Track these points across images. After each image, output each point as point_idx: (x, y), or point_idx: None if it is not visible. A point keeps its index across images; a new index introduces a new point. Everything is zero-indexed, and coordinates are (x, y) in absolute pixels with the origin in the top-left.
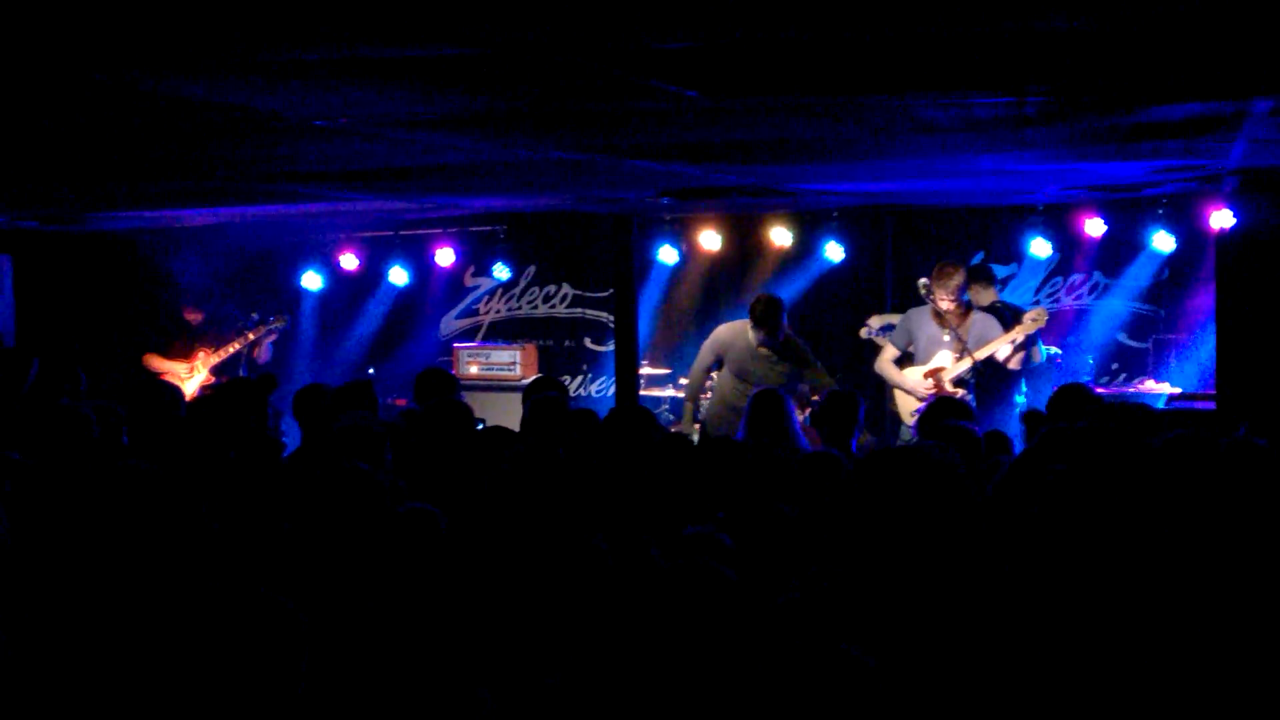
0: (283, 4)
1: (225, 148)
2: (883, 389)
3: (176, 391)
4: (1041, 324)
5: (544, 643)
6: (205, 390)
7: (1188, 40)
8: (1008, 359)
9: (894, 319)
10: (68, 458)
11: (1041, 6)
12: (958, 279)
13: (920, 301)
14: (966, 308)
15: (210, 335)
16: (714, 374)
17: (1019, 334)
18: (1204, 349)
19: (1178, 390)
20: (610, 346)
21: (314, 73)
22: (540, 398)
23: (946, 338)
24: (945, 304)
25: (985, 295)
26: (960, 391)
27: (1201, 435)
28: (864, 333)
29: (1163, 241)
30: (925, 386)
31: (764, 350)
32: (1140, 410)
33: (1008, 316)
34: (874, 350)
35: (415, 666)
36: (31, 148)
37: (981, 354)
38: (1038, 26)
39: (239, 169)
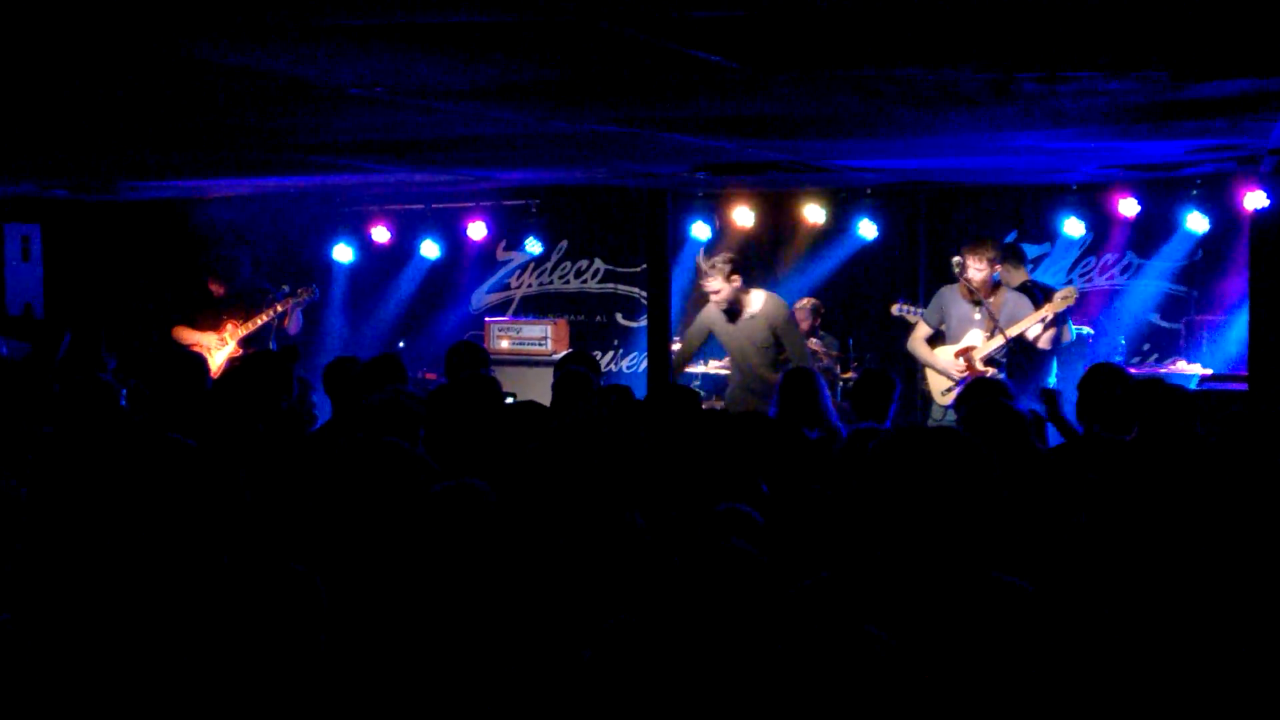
0: None
1: (260, 116)
2: (914, 367)
3: (201, 364)
4: (1072, 302)
5: (577, 618)
6: (233, 362)
7: (1236, 16)
8: (1038, 338)
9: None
10: (97, 429)
11: None
12: (990, 252)
13: (953, 280)
14: (996, 284)
15: (239, 307)
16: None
17: (1049, 311)
18: (1236, 330)
19: (1209, 371)
20: (642, 322)
21: (351, 40)
22: (566, 372)
23: (978, 316)
24: (976, 275)
25: (1016, 275)
26: (991, 370)
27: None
28: (895, 309)
29: (1196, 222)
30: (957, 366)
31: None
32: (1174, 389)
33: (1039, 295)
34: (905, 328)
35: (450, 642)
36: (66, 115)
37: (1013, 332)
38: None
39: (273, 138)
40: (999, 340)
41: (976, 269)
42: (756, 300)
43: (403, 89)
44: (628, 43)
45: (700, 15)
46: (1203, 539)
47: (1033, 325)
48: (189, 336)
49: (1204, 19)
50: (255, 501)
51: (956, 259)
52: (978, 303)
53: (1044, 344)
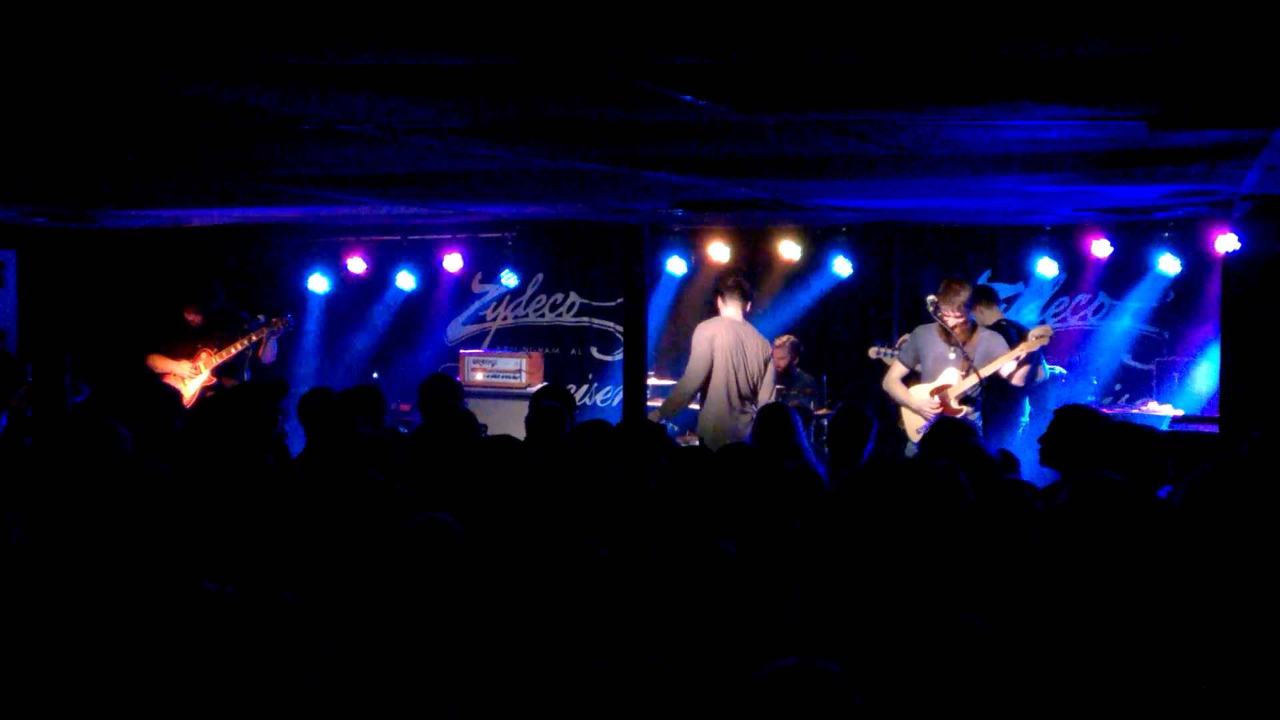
0: (307, 9)
1: (241, 150)
2: (889, 406)
3: (174, 395)
4: (1046, 341)
5: (550, 650)
6: (207, 391)
7: (1217, 68)
8: (1011, 374)
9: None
10: (79, 461)
11: (1073, 32)
12: (964, 294)
13: (927, 319)
14: (972, 325)
15: (214, 336)
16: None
17: (1023, 350)
18: (1207, 371)
19: (1180, 412)
20: (616, 356)
21: (340, 79)
22: (539, 408)
23: (953, 355)
24: (952, 319)
25: (989, 314)
26: (966, 409)
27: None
28: (873, 353)
29: (1168, 264)
30: (931, 404)
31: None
32: (1145, 432)
33: (1013, 334)
34: (881, 366)
35: (423, 675)
36: (48, 145)
37: (987, 371)
38: (1072, 51)
39: (253, 170)
40: (974, 379)
41: (951, 314)
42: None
43: (391, 126)
44: (612, 85)
45: (683, 62)
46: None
47: (1006, 364)
48: (163, 365)
49: (1181, 72)
50: (247, 532)
51: (931, 299)
52: (954, 343)
53: (1018, 380)
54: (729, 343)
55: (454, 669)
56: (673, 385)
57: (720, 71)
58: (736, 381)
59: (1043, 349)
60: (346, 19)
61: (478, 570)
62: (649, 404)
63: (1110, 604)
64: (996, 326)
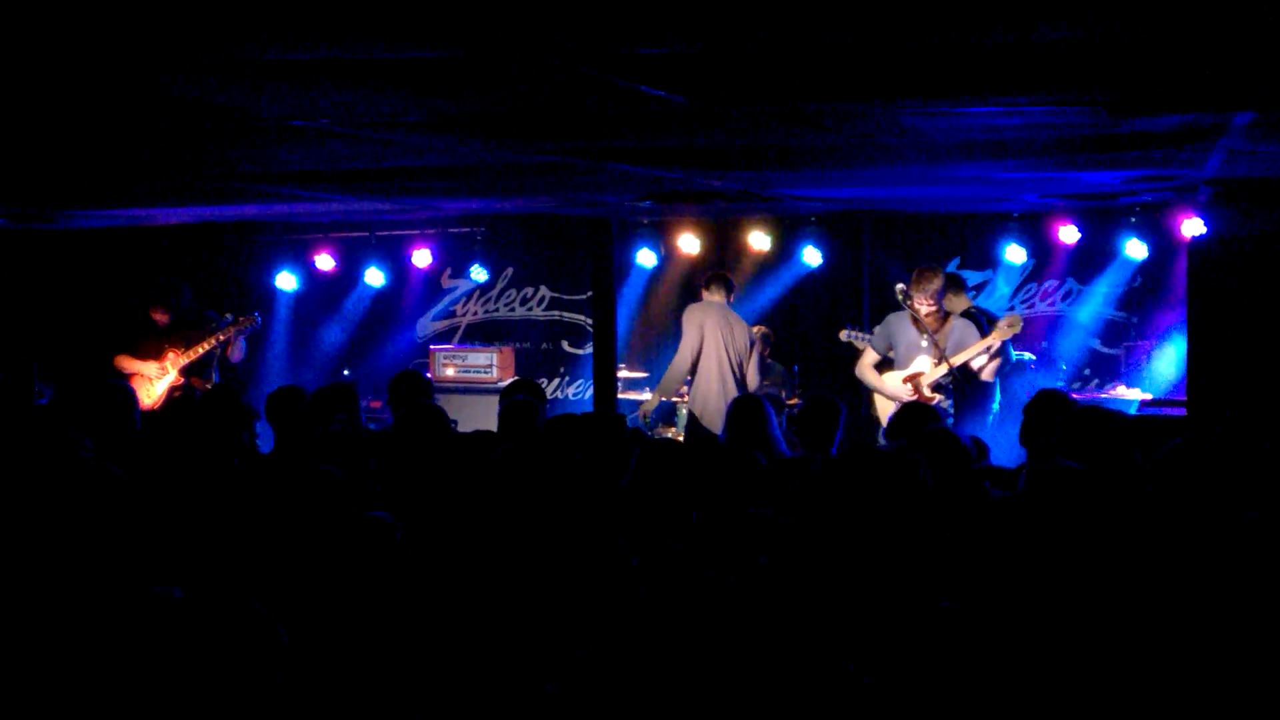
0: (265, 4)
1: (202, 147)
2: (860, 393)
3: (132, 396)
4: (1017, 329)
5: (517, 647)
6: (175, 392)
7: (1175, 53)
8: (981, 368)
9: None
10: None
11: (1032, 17)
12: (937, 282)
13: (898, 307)
14: (945, 314)
15: (181, 335)
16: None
17: (995, 339)
18: (1175, 355)
19: (1149, 396)
20: (588, 349)
21: (297, 73)
22: (510, 402)
23: (924, 343)
24: (924, 307)
25: (959, 302)
26: (939, 397)
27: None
28: (844, 335)
29: (1135, 249)
30: (905, 392)
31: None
32: (1114, 416)
33: (983, 322)
34: (852, 353)
35: (379, 675)
36: (9, 145)
37: (958, 360)
38: (1030, 37)
39: (215, 168)
40: (946, 367)
41: (924, 303)
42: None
43: (349, 121)
44: (575, 78)
45: (647, 52)
46: (1136, 569)
47: (978, 354)
48: (130, 365)
49: (1140, 57)
50: (213, 534)
51: (900, 287)
52: (925, 331)
53: (987, 376)
54: (718, 323)
55: (412, 667)
56: (645, 377)
57: (678, 62)
58: (729, 360)
59: (1013, 337)
60: (303, 13)
61: (421, 569)
62: (620, 396)
63: (1070, 590)
64: (966, 314)
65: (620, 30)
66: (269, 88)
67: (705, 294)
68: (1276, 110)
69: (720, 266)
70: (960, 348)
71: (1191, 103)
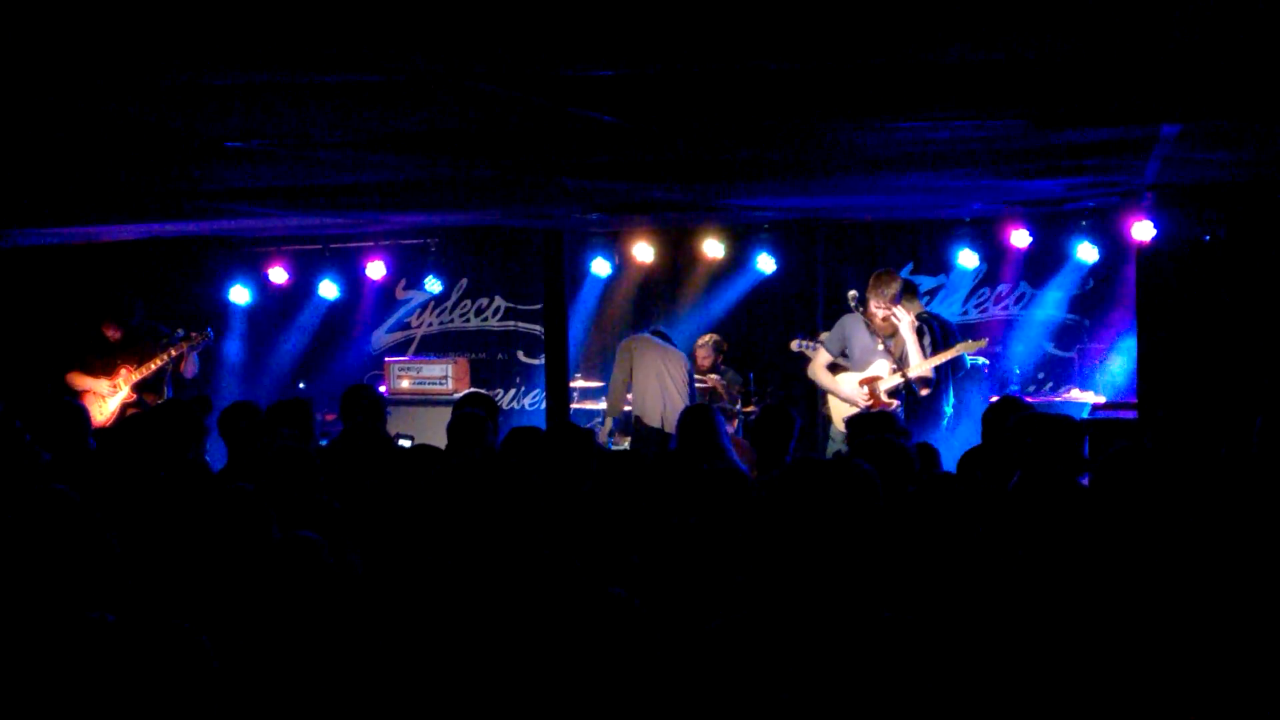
0: (206, 29)
1: (148, 166)
2: (814, 397)
3: (84, 413)
4: (976, 349)
5: (465, 666)
6: (128, 409)
7: (1101, 69)
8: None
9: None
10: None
11: (959, 39)
12: (895, 286)
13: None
14: (897, 320)
15: (133, 351)
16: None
17: (954, 354)
18: (1126, 358)
19: (1102, 399)
20: (543, 359)
21: (236, 95)
22: (460, 414)
23: (880, 347)
24: (880, 311)
25: (912, 307)
26: (895, 402)
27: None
28: (794, 345)
29: (1086, 252)
30: (861, 394)
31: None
32: (1065, 422)
33: (935, 327)
34: (805, 362)
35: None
36: None
37: (914, 373)
38: (961, 57)
39: (162, 186)
40: (898, 376)
41: (879, 306)
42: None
43: (290, 141)
44: (508, 99)
45: (585, 75)
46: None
47: (936, 363)
48: (82, 382)
49: (1064, 73)
50: (150, 553)
51: (853, 293)
52: (886, 335)
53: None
54: (648, 348)
55: (349, 687)
56: (600, 387)
57: (617, 84)
58: (667, 375)
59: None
60: (236, 39)
61: (347, 587)
62: (576, 406)
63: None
64: (919, 319)
65: (557, 54)
66: (212, 109)
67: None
68: (1204, 120)
69: (675, 275)
70: (914, 352)
71: (1118, 115)
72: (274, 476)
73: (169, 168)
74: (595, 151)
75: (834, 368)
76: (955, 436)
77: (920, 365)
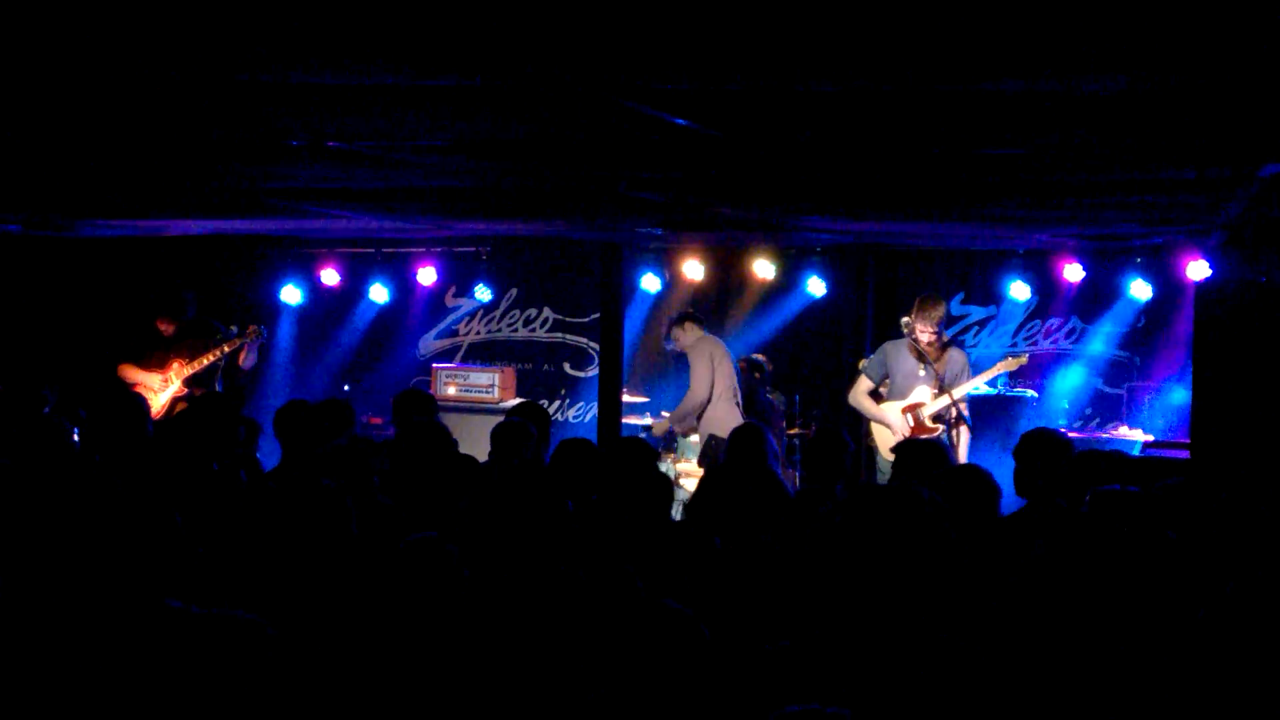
0: (308, 30)
1: (229, 162)
2: (858, 421)
3: (140, 403)
4: (1023, 362)
5: (522, 672)
6: (178, 404)
7: (1206, 104)
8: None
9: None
10: (41, 467)
11: (1072, 69)
12: (940, 310)
13: (897, 334)
14: (944, 344)
15: (185, 346)
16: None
17: (996, 372)
18: (1177, 397)
19: (1150, 438)
20: (590, 372)
21: (335, 96)
22: (503, 423)
23: (923, 373)
24: (925, 336)
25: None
26: (940, 428)
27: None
28: (862, 365)
29: (1140, 289)
30: (906, 423)
31: None
32: (1113, 458)
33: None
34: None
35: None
36: (32, 154)
37: (959, 393)
38: (1071, 87)
39: (240, 183)
40: (946, 399)
41: (925, 330)
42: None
43: (375, 143)
44: (608, 106)
45: (674, 88)
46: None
47: (977, 384)
48: (133, 375)
49: (1171, 108)
50: (205, 545)
51: (905, 320)
52: (925, 361)
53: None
54: (725, 354)
55: (443, 687)
56: (646, 402)
57: (704, 96)
58: (736, 388)
59: (1012, 373)
60: (343, 39)
61: (472, 590)
62: (622, 421)
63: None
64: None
65: (649, 65)
66: (303, 109)
67: (687, 331)
68: None
69: (724, 294)
70: (957, 380)
71: (1221, 152)
72: (332, 476)
73: (254, 166)
74: (669, 164)
75: (874, 396)
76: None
77: (965, 385)
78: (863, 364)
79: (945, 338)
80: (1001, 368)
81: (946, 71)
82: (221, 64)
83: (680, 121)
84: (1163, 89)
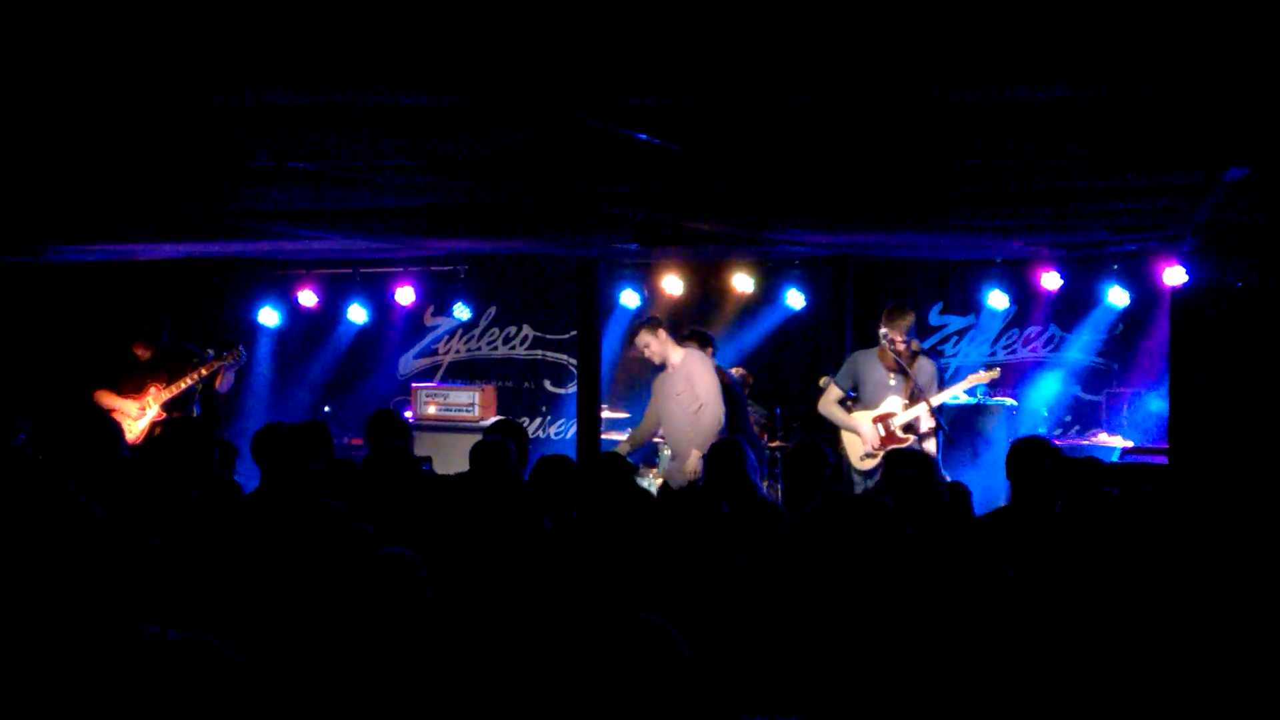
0: (275, 51)
1: (196, 185)
2: (837, 434)
3: (115, 428)
4: (990, 378)
5: (497, 690)
6: (156, 428)
7: (1169, 110)
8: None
9: None
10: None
11: (1034, 78)
12: (908, 319)
13: (870, 345)
14: (914, 353)
15: (163, 371)
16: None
17: (971, 383)
18: (1156, 403)
19: (1129, 444)
20: (569, 389)
21: (292, 116)
22: (481, 441)
23: (893, 382)
24: (900, 344)
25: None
26: (911, 438)
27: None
28: (823, 382)
29: (1117, 296)
30: (876, 433)
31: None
32: (1093, 464)
33: (937, 363)
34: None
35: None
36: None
37: (936, 400)
38: (1033, 94)
39: (207, 206)
40: (919, 407)
41: (898, 337)
42: (676, 356)
43: (343, 164)
44: (573, 124)
45: (645, 103)
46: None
47: (953, 394)
48: (110, 401)
49: (1134, 114)
50: (184, 570)
51: (883, 330)
52: (901, 370)
53: (923, 426)
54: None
55: (420, 705)
56: (626, 418)
57: (666, 111)
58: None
59: (990, 382)
60: (304, 60)
61: (449, 605)
62: (601, 436)
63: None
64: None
65: (620, 81)
66: (270, 130)
67: (680, 344)
68: (1268, 165)
69: (703, 308)
70: (929, 389)
71: (1185, 158)
72: (310, 498)
73: (222, 187)
74: (644, 180)
75: (844, 406)
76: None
77: (940, 395)
78: (823, 381)
79: (915, 346)
80: (975, 380)
81: (916, 84)
82: (187, 86)
83: (641, 137)
84: (1125, 96)
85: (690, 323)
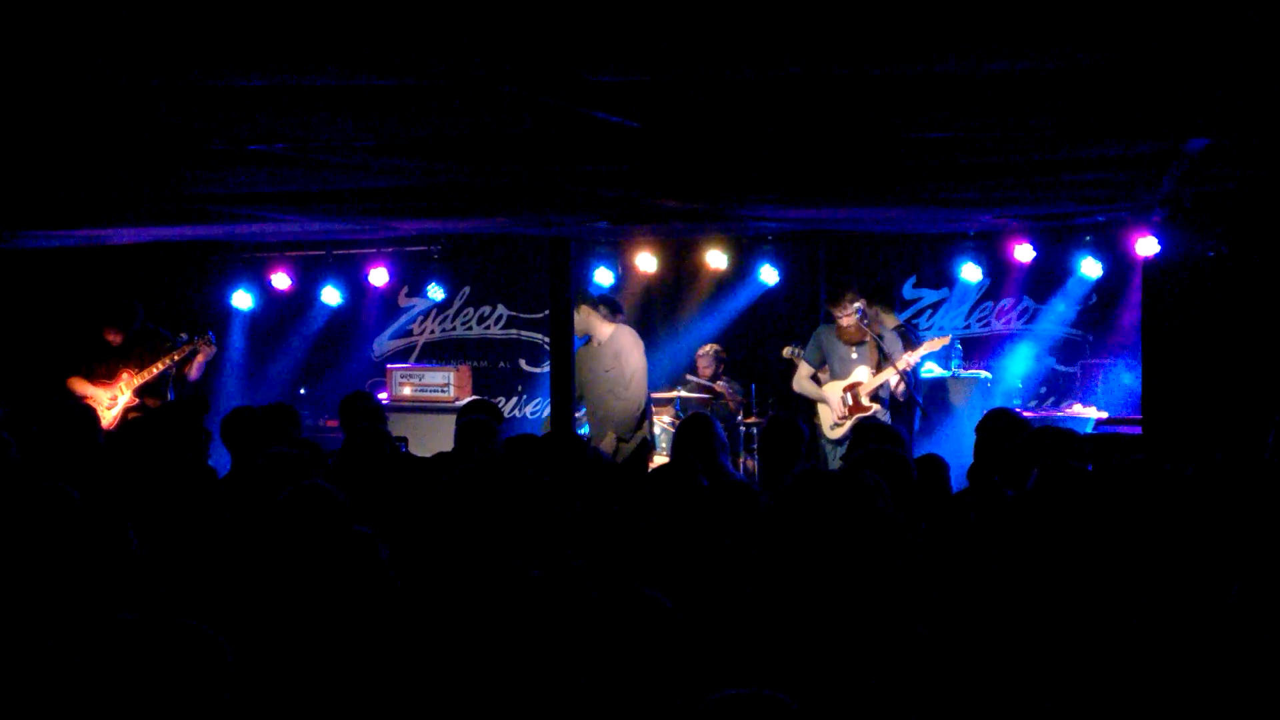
0: (226, 31)
1: (157, 169)
2: (812, 410)
3: (92, 416)
4: (941, 345)
5: (472, 667)
6: (130, 413)
7: (1129, 80)
8: (895, 386)
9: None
10: None
11: (990, 48)
12: (850, 301)
13: (830, 320)
14: (863, 330)
15: (135, 356)
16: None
17: (924, 351)
18: (1129, 373)
19: (1104, 415)
20: (545, 368)
21: (249, 98)
22: (468, 421)
23: (854, 355)
24: (847, 321)
25: (889, 320)
26: (876, 406)
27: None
28: (786, 352)
29: (1090, 268)
30: (845, 401)
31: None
32: (1066, 435)
33: (914, 339)
34: (793, 365)
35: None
36: None
37: (902, 364)
38: (990, 67)
39: (170, 190)
40: (887, 373)
41: (844, 316)
42: (606, 330)
43: (303, 146)
44: (531, 103)
45: (605, 80)
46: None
47: (919, 357)
48: (83, 388)
49: (1093, 83)
50: (162, 555)
51: (833, 313)
52: (860, 342)
53: (899, 394)
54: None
55: (377, 685)
56: None
57: (630, 89)
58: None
59: (944, 349)
60: (254, 41)
61: (401, 585)
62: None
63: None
64: (896, 330)
65: (574, 58)
66: (225, 112)
67: (611, 320)
68: (1230, 135)
69: (678, 285)
70: (895, 355)
71: (1145, 128)
72: (280, 482)
73: (180, 171)
74: (609, 158)
75: (817, 380)
76: (919, 451)
77: (900, 360)
78: (787, 350)
79: (880, 316)
80: (927, 348)
81: (876, 57)
82: (136, 68)
83: (599, 115)
84: (1088, 67)
85: (665, 299)
